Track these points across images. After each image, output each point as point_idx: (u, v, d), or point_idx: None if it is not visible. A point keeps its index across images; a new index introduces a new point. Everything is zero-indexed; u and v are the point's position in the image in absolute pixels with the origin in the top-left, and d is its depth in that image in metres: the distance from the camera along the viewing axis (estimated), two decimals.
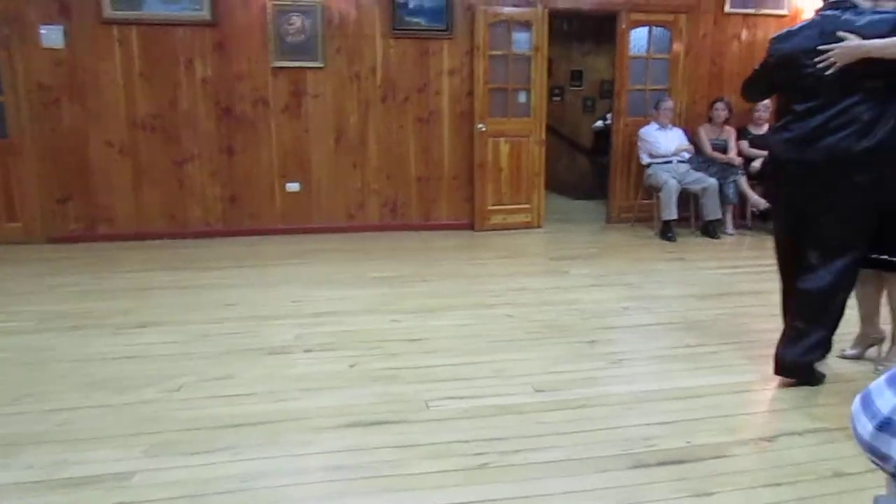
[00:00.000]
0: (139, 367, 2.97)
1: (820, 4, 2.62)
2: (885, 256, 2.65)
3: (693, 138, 6.11)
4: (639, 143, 6.01)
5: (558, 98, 8.42)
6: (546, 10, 5.81)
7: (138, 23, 5.30)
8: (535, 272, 4.59)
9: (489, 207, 6.05)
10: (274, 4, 5.41)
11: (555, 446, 2.27)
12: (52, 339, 3.35)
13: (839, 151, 2.44)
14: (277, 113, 5.66)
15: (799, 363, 2.69)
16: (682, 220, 5.88)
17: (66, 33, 5.24)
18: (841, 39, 2.42)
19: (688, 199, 5.94)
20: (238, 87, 5.57)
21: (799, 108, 2.53)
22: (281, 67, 5.56)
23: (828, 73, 2.43)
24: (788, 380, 2.75)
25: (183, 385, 2.77)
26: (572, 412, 2.53)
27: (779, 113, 2.74)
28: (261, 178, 5.76)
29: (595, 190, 7.71)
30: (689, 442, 2.30)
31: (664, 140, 5.89)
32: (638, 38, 6.14)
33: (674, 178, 5.71)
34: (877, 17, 2.41)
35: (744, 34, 6.25)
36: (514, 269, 4.71)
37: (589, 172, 8.43)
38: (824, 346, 2.73)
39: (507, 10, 5.74)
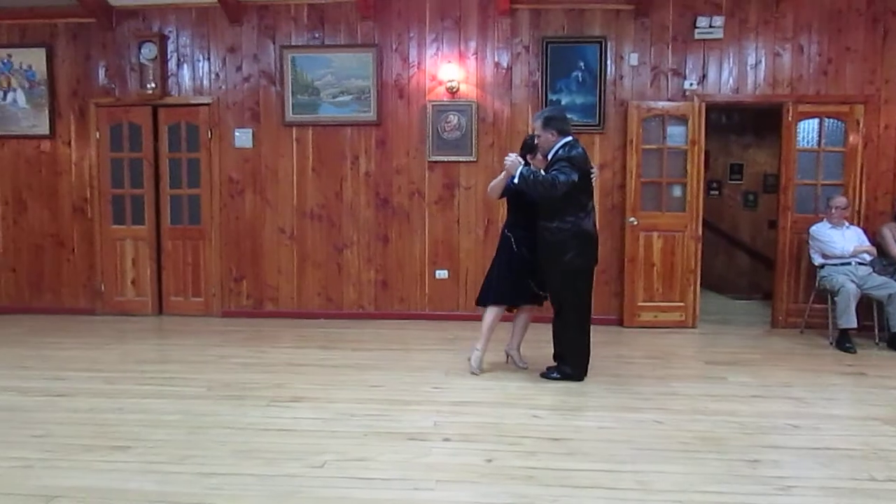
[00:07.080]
0: (287, 441, 3.12)
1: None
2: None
3: (875, 238, 5.52)
4: (810, 242, 5.53)
5: (716, 192, 8.06)
6: (702, 104, 5.69)
7: (314, 124, 5.96)
8: (688, 376, 4.27)
9: (639, 304, 5.80)
10: (433, 105, 5.83)
11: None
12: (217, 406, 3.63)
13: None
14: (431, 204, 5.97)
15: None
16: (864, 331, 5.23)
17: (254, 135, 6.01)
18: None
19: (870, 307, 5.31)
20: (396, 180, 5.97)
21: (589, 204, 4.05)
22: (436, 161, 5.91)
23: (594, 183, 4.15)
24: None
25: (325, 462, 2.85)
26: None
27: (559, 208, 3.95)
28: (412, 265, 6.03)
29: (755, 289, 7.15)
30: None
31: (840, 239, 5.37)
32: (807, 131, 5.78)
33: (852, 281, 5.14)
34: None
35: None
36: (665, 372, 4.42)
37: (748, 271, 7.91)
38: None
39: (661, 104, 5.70)
